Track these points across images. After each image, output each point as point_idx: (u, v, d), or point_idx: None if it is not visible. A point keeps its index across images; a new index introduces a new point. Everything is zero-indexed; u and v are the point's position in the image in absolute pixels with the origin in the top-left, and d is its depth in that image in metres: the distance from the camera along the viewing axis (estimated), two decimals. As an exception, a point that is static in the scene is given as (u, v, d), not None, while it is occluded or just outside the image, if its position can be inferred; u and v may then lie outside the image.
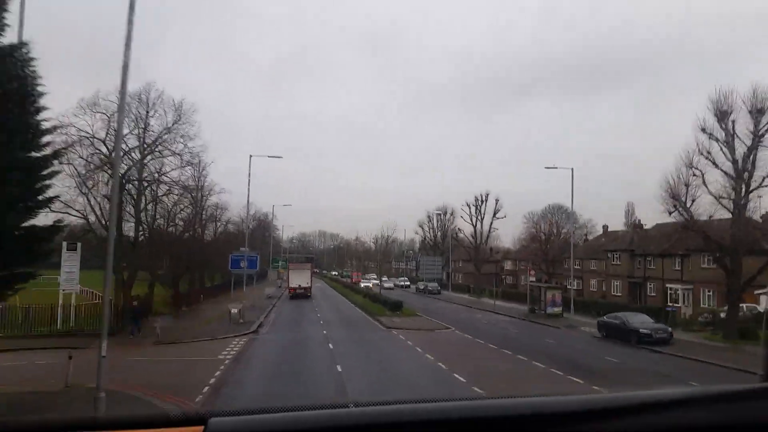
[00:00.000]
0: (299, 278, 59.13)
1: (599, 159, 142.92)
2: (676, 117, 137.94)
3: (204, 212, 52.10)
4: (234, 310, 34.07)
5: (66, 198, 29.08)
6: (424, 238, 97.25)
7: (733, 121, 28.91)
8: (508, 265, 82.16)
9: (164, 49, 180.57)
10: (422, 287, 72.11)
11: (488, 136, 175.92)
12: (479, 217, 73.36)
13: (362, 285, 73.54)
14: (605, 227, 66.13)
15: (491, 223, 72.87)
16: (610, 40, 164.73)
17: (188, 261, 42.21)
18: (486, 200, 72.87)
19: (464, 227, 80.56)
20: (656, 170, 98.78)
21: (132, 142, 33.80)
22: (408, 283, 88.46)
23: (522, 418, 1.66)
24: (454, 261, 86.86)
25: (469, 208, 74.39)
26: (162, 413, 2.08)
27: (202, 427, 1.57)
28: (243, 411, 1.71)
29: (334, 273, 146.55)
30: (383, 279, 75.21)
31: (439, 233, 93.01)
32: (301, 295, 57.39)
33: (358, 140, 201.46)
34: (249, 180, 38.73)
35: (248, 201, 41.25)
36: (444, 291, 72.22)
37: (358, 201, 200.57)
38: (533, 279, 53.50)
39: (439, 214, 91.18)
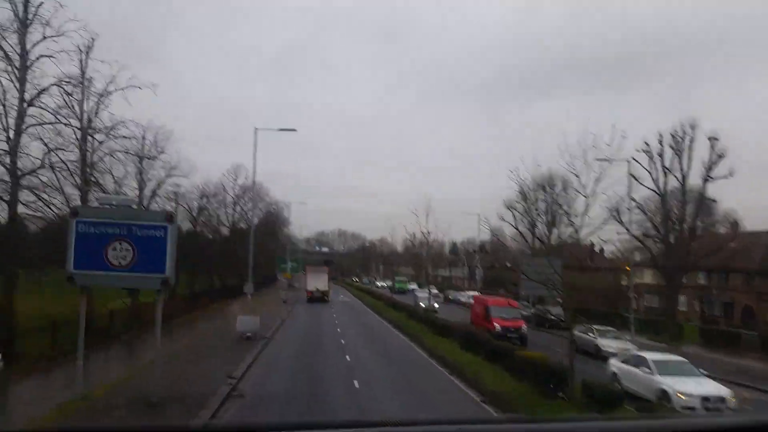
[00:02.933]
0: (317, 281, 58.43)
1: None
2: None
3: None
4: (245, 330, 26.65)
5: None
6: (516, 227, 58.37)
7: None
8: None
9: (170, 40, 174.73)
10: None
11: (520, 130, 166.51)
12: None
13: (419, 303, 50.87)
14: None
15: (704, 188, 37.39)
16: (642, 30, 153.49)
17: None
18: (688, 139, 36.93)
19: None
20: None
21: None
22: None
23: None
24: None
25: (651, 158, 38.12)
26: (219, 424, 3.37)
27: None
28: (253, 425, 1.85)
29: (366, 280, 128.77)
30: (430, 292, 58.21)
31: (544, 220, 55.96)
32: (318, 298, 55.95)
33: (377, 140, 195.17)
34: (254, 159, 28.46)
35: (254, 181, 30.26)
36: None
37: (377, 202, 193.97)
38: None
39: (547, 185, 53.40)
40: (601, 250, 72.43)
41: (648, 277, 60.35)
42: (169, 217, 14.69)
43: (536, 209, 55.37)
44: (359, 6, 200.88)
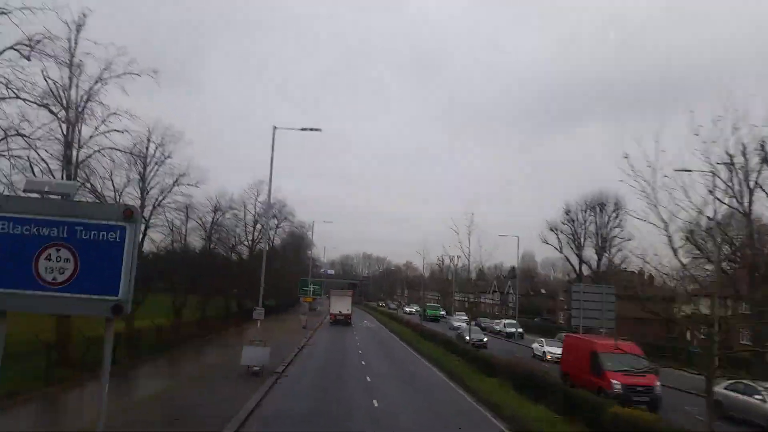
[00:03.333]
0: (340, 305, 60.37)
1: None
2: None
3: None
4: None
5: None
6: (560, 250, 53.72)
7: None
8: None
9: (207, 65, 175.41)
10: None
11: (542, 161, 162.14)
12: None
13: (462, 334, 42.59)
14: None
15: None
16: (671, 62, 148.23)
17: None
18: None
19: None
20: None
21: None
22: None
23: None
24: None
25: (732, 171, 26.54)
26: None
27: None
28: None
29: (387, 304, 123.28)
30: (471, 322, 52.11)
31: (593, 243, 50.42)
32: (341, 321, 58.41)
33: (404, 167, 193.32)
34: (272, 158, 24.32)
35: (269, 192, 25.77)
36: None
37: (401, 229, 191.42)
38: None
39: (598, 207, 50.11)
40: (651, 277, 66.39)
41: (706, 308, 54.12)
42: (129, 213, 9.56)
43: (584, 231, 50.09)
44: (395, 37, 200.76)
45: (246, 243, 56.26)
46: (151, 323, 27.96)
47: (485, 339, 41.98)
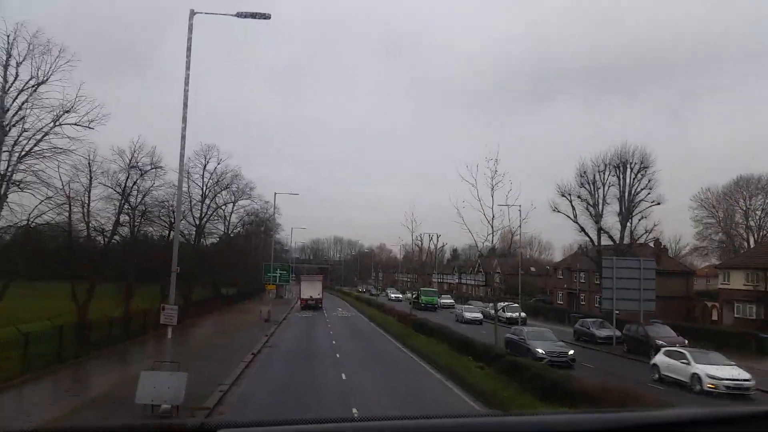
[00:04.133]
0: (311, 290, 59.02)
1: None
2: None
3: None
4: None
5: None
6: (575, 220, 42.57)
7: None
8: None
9: (169, 52, 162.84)
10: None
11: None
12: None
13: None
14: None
15: None
16: (641, 40, 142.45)
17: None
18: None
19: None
20: None
21: None
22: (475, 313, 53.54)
23: None
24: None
25: None
26: (176, 422, 2.81)
27: None
28: (252, 422, 1.65)
29: (368, 290, 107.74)
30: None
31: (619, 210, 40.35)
32: (312, 306, 56.92)
33: (373, 148, 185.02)
34: (188, 58, 13.85)
35: (184, 121, 15.50)
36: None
37: (373, 211, 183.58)
38: None
39: (621, 166, 40.01)
40: (665, 249, 58.52)
41: (738, 282, 46.58)
42: None
43: (604, 196, 41.26)
44: (361, 20, 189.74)
45: (192, 222, 45.97)
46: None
47: (571, 352, 24.86)
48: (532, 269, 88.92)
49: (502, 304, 50.94)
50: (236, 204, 58.24)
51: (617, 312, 33.50)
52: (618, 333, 32.74)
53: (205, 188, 46.86)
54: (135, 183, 30.13)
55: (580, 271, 58.97)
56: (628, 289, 32.69)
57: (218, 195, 48.84)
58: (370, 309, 54.82)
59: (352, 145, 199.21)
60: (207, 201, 47.26)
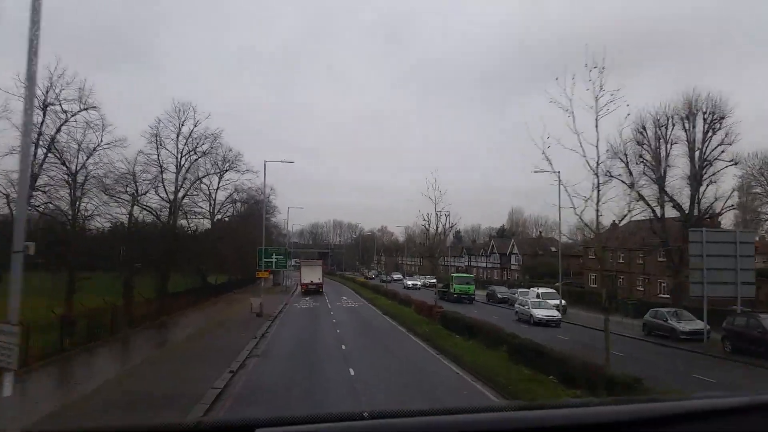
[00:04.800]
0: (311, 275, 59.28)
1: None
2: None
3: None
4: None
5: None
6: (631, 186, 29.21)
7: None
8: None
9: (164, 42, 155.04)
10: None
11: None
12: None
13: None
14: None
15: None
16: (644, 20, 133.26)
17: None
18: None
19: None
20: None
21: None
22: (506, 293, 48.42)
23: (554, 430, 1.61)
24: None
25: None
26: (210, 420, 2.27)
27: None
28: (290, 420, 1.64)
29: (383, 275, 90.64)
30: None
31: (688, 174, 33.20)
32: (313, 290, 56.79)
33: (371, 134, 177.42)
34: None
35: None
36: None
37: (373, 196, 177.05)
38: None
39: (688, 118, 32.55)
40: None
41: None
42: None
43: (667, 154, 33.55)
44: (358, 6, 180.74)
45: (165, 197, 38.36)
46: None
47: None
48: (553, 249, 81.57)
49: (535, 289, 43.71)
50: (222, 178, 50.72)
51: (704, 297, 25.99)
52: (708, 327, 25.38)
53: (179, 156, 39.25)
54: (59, 130, 22.37)
55: (619, 250, 51.40)
56: (720, 270, 25.34)
57: (197, 164, 41.37)
58: (381, 298, 47.29)
59: (350, 132, 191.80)
60: (183, 171, 39.64)
